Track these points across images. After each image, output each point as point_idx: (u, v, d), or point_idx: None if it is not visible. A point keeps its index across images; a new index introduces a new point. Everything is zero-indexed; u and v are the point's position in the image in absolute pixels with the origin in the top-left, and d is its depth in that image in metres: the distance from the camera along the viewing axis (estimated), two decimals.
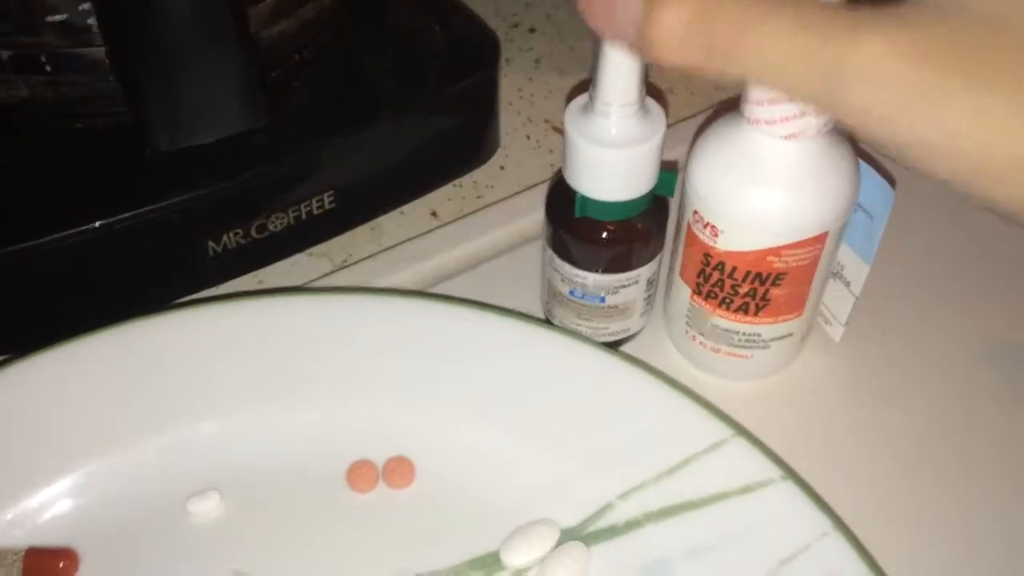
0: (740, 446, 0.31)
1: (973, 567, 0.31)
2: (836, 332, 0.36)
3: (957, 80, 0.21)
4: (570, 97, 0.33)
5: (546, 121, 0.47)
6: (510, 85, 0.48)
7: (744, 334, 0.34)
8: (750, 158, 0.30)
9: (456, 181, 0.44)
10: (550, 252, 0.34)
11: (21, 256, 0.34)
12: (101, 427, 0.33)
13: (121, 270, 0.36)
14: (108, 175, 0.36)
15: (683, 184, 0.33)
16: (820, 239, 0.31)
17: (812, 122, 0.29)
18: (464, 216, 0.42)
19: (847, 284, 0.34)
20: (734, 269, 0.32)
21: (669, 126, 0.32)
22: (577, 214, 0.32)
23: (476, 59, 0.42)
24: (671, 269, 0.35)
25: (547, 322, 0.36)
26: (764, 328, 0.34)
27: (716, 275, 0.32)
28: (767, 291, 0.32)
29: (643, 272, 0.34)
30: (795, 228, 0.31)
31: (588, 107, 0.31)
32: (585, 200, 0.32)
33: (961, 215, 0.41)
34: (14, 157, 0.36)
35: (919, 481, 0.33)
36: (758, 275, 0.32)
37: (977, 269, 0.40)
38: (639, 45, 0.23)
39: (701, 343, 0.35)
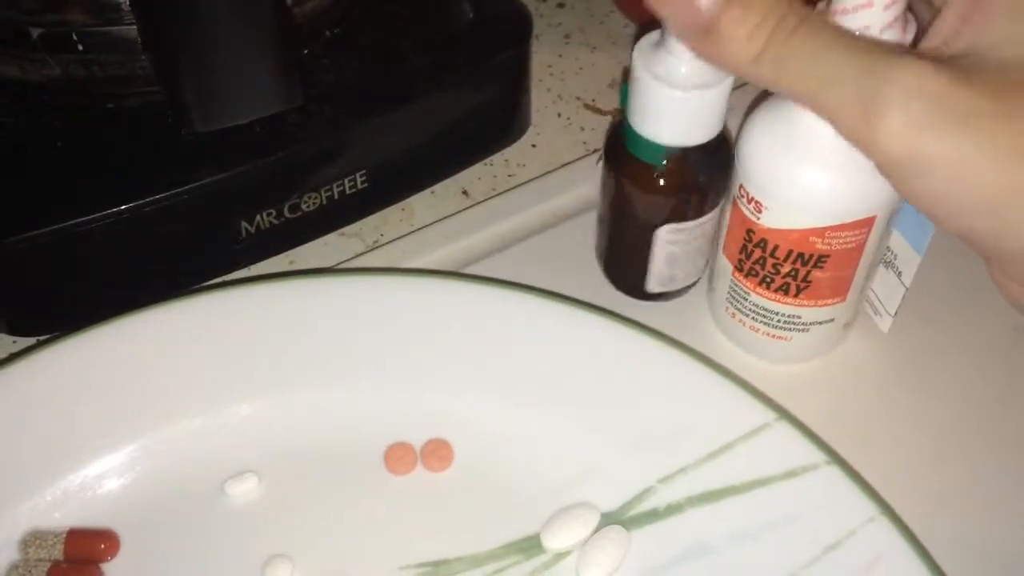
0: (784, 430, 0.31)
1: (1021, 553, 0.31)
2: (884, 323, 0.35)
3: (987, 104, 0.23)
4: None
5: (577, 98, 0.46)
6: (540, 62, 0.47)
7: (783, 315, 0.33)
8: (800, 135, 0.30)
9: (487, 160, 0.43)
10: None
11: (54, 238, 0.33)
12: (138, 409, 0.33)
13: (153, 251, 0.36)
14: (140, 155, 0.35)
15: (735, 156, 0.32)
16: (866, 223, 0.30)
17: None
18: (495, 195, 0.42)
19: (898, 274, 0.34)
20: (776, 248, 0.31)
21: None
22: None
23: (508, 34, 0.42)
24: (715, 245, 0.35)
25: (584, 303, 0.35)
26: (804, 311, 0.33)
27: (758, 252, 0.32)
28: (808, 273, 0.32)
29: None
30: (840, 210, 0.30)
31: (659, 44, 0.30)
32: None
33: None
34: (45, 137, 0.36)
35: (965, 469, 0.33)
36: (800, 255, 0.31)
37: None
38: (704, 39, 0.25)
39: (741, 321, 0.34)
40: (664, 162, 0.32)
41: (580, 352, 0.33)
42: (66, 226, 0.33)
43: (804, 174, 0.30)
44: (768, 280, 0.33)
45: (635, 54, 0.30)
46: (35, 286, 0.35)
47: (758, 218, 0.31)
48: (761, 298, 0.33)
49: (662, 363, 0.33)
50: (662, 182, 0.32)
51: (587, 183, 0.42)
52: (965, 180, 0.23)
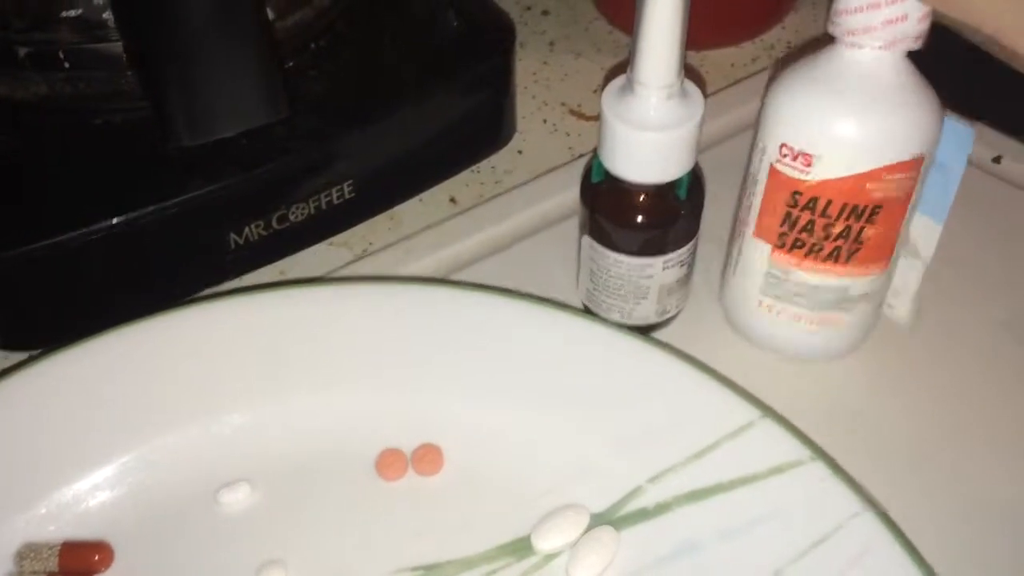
0: (768, 428, 0.31)
1: (1006, 543, 0.31)
2: (902, 310, 0.35)
3: None
4: (607, 81, 0.33)
5: (562, 104, 0.47)
6: (525, 69, 0.48)
7: (831, 289, 0.33)
8: (845, 74, 0.30)
9: (474, 167, 0.44)
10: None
11: (44, 253, 0.34)
12: (131, 421, 0.33)
13: (144, 264, 0.36)
14: (129, 170, 0.36)
15: (758, 130, 0.32)
16: (917, 164, 0.30)
17: (910, 29, 0.28)
18: (483, 202, 0.42)
19: (915, 253, 0.34)
20: (828, 204, 0.31)
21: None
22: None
23: (491, 43, 0.42)
24: (739, 235, 0.34)
25: (571, 307, 0.35)
26: (852, 281, 0.33)
27: (806, 216, 0.31)
28: (862, 229, 0.31)
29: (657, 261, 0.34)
30: (895, 145, 0.30)
31: (626, 88, 0.31)
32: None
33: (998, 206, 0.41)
34: (34, 154, 0.36)
35: (950, 463, 0.33)
36: (854, 209, 0.31)
37: (1005, 252, 0.40)
38: None
39: (779, 312, 0.34)
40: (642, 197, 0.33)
41: (567, 355, 0.34)
42: (56, 241, 0.34)
43: (857, 112, 0.30)
44: (817, 248, 0.32)
45: (603, 99, 0.31)
46: (26, 301, 0.36)
47: (807, 173, 0.30)
48: (807, 273, 0.32)
49: (647, 364, 0.33)
50: (640, 218, 0.33)
51: (573, 188, 0.42)
52: None
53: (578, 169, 0.43)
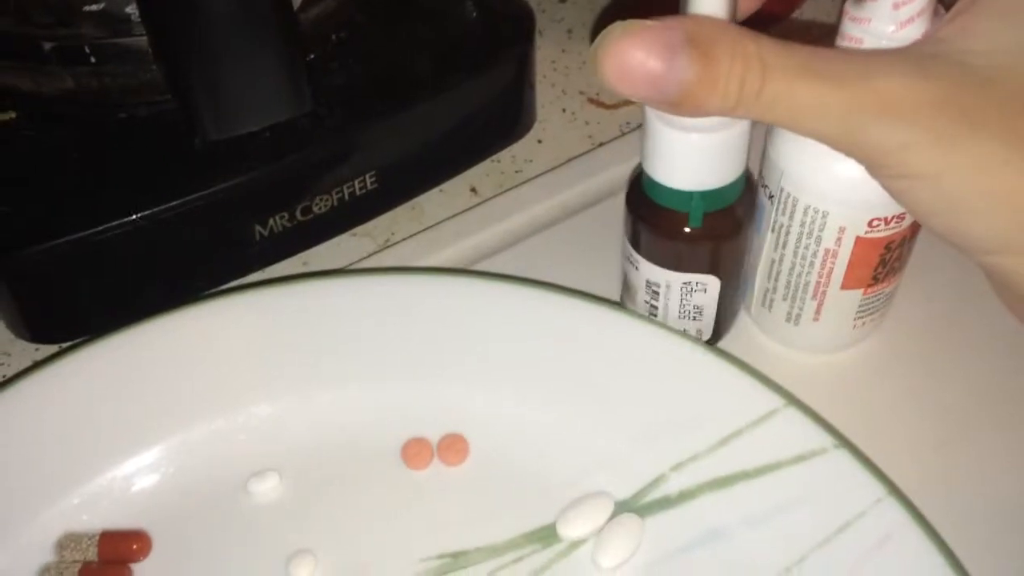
0: (792, 416, 0.31)
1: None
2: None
3: (964, 128, 0.23)
4: None
5: (581, 93, 0.47)
6: (543, 57, 0.48)
7: (886, 295, 0.34)
8: None
9: (494, 157, 0.44)
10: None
11: (72, 247, 0.34)
12: (161, 413, 0.33)
13: (169, 257, 0.37)
14: (154, 164, 0.36)
15: (806, 206, 0.31)
16: None
17: None
18: (503, 192, 0.43)
19: None
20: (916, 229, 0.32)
21: None
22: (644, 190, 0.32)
23: (511, 32, 0.42)
24: (805, 292, 0.33)
25: (593, 296, 0.36)
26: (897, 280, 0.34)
27: (898, 252, 0.32)
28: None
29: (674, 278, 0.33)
30: None
31: None
32: (652, 183, 0.31)
33: None
34: (60, 148, 0.37)
35: (971, 449, 0.34)
36: None
37: None
38: (680, 107, 0.24)
39: (864, 324, 0.35)
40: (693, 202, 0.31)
41: (591, 344, 0.34)
42: (84, 235, 0.34)
43: None
44: (897, 268, 0.33)
45: (646, 106, 0.29)
46: (56, 294, 0.36)
47: (901, 224, 0.31)
48: (877, 289, 0.33)
49: (671, 353, 0.33)
50: (688, 233, 0.31)
51: (594, 177, 0.42)
52: (937, 189, 0.24)
53: (598, 158, 0.43)
